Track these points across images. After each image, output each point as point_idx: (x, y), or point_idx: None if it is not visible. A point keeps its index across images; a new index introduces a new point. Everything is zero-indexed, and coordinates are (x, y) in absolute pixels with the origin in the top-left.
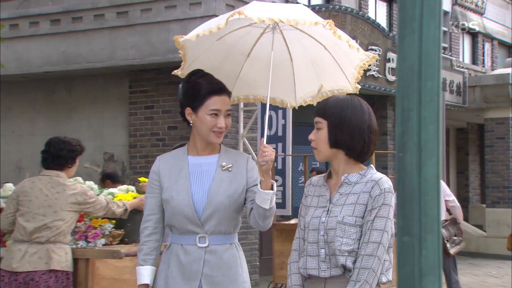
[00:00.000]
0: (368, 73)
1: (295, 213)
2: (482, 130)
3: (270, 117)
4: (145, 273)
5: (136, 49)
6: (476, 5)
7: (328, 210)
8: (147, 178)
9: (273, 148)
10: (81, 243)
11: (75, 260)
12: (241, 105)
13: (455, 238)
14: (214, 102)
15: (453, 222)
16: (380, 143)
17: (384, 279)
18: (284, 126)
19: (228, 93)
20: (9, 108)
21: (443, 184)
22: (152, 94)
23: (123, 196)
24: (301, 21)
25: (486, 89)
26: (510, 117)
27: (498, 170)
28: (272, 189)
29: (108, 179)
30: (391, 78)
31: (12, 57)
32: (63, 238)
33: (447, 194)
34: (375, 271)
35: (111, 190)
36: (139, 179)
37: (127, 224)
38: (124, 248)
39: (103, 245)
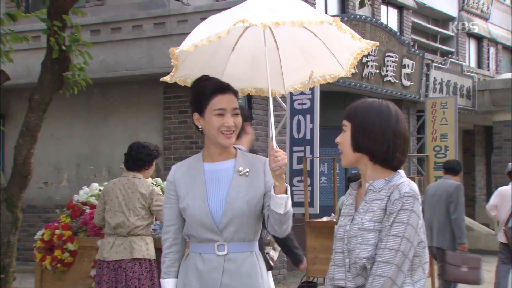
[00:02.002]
0: (385, 79)
1: (322, 212)
2: (488, 132)
3: (299, 121)
4: (168, 286)
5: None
6: (482, 10)
7: (352, 218)
8: None
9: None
10: None
11: (159, 250)
12: (271, 110)
13: None
14: (218, 101)
15: None
16: None
17: None
18: (312, 129)
19: (233, 92)
20: (49, 113)
21: None
22: (186, 99)
23: None
24: (306, 21)
25: (494, 93)
26: None
27: (503, 174)
28: (286, 193)
29: None
30: (407, 83)
31: None
32: (143, 231)
33: None
34: (393, 279)
35: None
36: None
37: None
38: None
39: None
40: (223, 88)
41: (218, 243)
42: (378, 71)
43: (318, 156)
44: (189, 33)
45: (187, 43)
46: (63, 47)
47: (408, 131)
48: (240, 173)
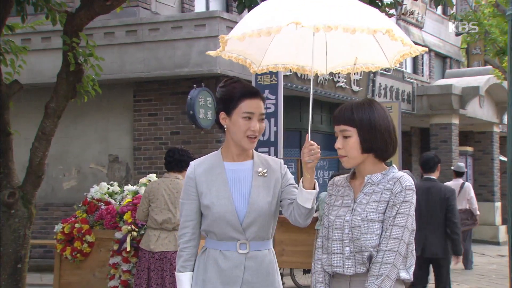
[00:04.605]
0: (337, 84)
1: None
2: (424, 134)
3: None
4: (186, 279)
5: (144, 63)
6: (417, 20)
7: (352, 209)
8: (143, 178)
9: (266, 152)
10: None
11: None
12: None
13: (466, 221)
14: (248, 105)
15: (468, 212)
16: None
17: (405, 275)
18: (276, 132)
19: (262, 97)
20: (18, 114)
21: (470, 186)
22: (156, 103)
23: None
24: (359, 29)
25: (432, 98)
26: (452, 123)
27: (442, 170)
28: (314, 188)
29: None
30: (356, 88)
31: (25, 68)
32: None
33: (471, 196)
34: (397, 266)
35: None
36: None
37: None
38: None
39: None
40: (253, 93)
41: (240, 241)
42: (331, 77)
43: (282, 157)
44: (161, 40)
45: (238, 31)
46: (79, 61)
47: None
48: (259, 174)
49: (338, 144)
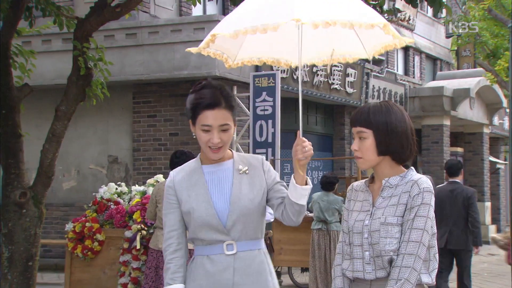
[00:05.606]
0: (332, 86)
1: None
2: (416, 135)
3: (261, 126)
4: None
5: (143, 66)
6: (408, 22)
7: (371, 214)
8: (151, 178)
9: (263, 153)
10: None
11: None
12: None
13: None
14: (205, 118)
15: None
16: (338, 147)
17: (427, 280)
18: (273, 134)
19: (226, 106)
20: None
21: None
22: (155, 104)
23: None
24: (356, 23)
25: (423, 100)
26: (443, 124)
27: (433, 170)
28: (307, 183)
29: None
30: (350, 90)
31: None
32: None
33: None
34: (417, 270)
35: None
36: None
37: None
38: None
39: None
40: (213, 103)
41: (227, 242)
42: (326, 79)
43: (279, 158)
44: (160, 43)
45: (229, 29)
46: (89, 65)
47: None
48: (240, 172)
49: (354, 146)
